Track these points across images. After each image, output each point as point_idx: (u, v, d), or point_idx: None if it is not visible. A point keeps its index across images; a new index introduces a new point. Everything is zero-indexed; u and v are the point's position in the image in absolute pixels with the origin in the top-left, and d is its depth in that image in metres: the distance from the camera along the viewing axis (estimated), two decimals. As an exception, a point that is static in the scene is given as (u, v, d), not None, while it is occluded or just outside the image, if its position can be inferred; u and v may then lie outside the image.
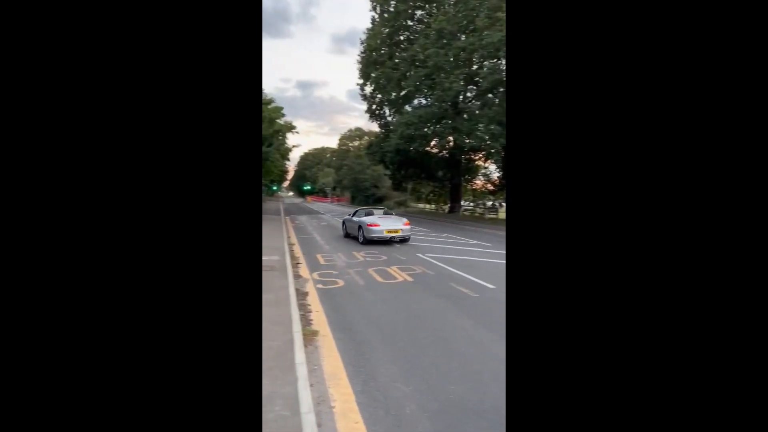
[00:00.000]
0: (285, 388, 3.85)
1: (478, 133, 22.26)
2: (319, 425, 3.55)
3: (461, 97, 24.90)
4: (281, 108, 24.99)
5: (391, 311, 6.21)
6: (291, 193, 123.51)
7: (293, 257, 10.67)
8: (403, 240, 17.61)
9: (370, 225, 17.29)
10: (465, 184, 33.98)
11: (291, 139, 78.71)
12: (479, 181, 34.62)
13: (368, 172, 56.86)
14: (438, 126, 24.95)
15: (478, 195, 34.17)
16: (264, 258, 9.84)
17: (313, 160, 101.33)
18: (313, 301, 6.74)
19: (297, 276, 8.44)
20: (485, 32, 20.99)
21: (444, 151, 29.43)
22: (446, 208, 34.29)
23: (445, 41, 23.59)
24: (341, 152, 80.00)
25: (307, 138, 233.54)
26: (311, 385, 4.07)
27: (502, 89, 22.00)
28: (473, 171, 33.51)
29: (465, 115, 24.50)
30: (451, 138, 26.00)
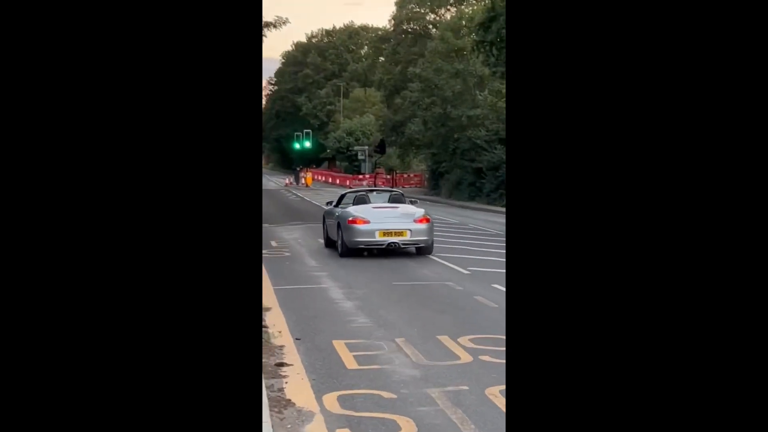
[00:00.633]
0: None
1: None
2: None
3: None
4: None
5: None
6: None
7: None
8: (419, 248, 12.29)
9: (353, 222, 12.04)
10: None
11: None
12: None
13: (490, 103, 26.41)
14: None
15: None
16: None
17: (320, 69, 68.23)
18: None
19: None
20: None
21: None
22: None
23: None
24: (404, 44, 37.66)
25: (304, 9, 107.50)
26: None
27: None
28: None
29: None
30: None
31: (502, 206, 22.89)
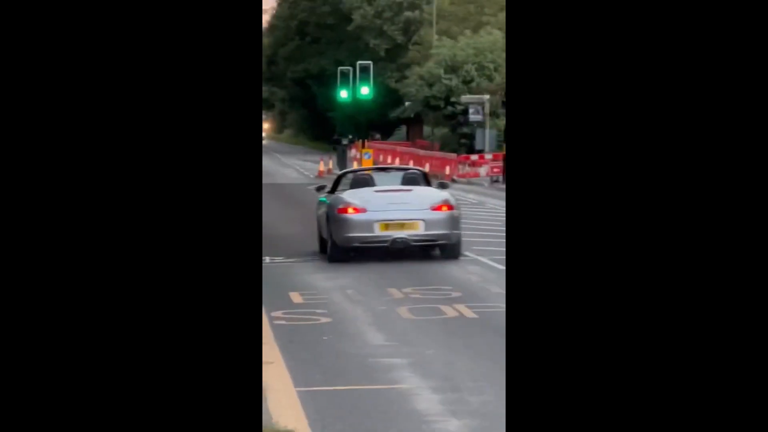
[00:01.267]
0: None
1: None
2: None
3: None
4: None
5: None
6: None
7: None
8: (440, 247, 12.56)
9: (343, 211, 12.41)
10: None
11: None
12: None
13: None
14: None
15: None
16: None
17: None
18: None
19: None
20: None
21: None
22: None
23: None
24: None
25: None
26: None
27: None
28: None
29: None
30: None
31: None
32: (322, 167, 39.25)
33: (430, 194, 12.86)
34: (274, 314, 10.54)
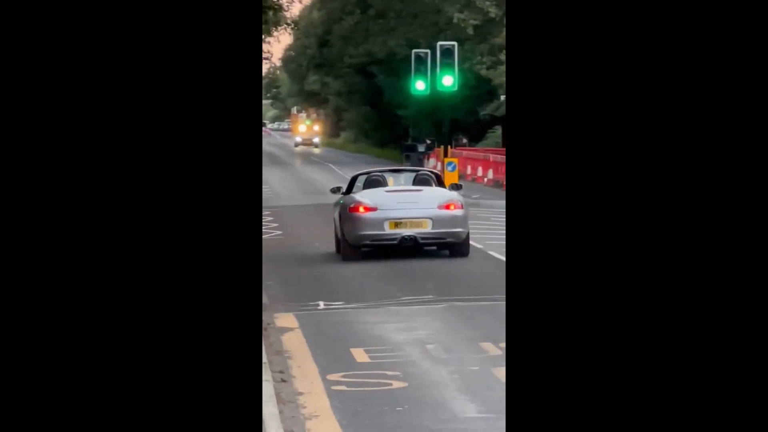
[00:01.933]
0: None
1: None
2: None
3: None
4: None
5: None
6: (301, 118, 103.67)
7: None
8: (449, 246, 16.67)
9: (354, 210, 16.42)
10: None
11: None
12: None
13: None
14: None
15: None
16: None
17: None
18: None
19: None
20: None
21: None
22: None
23: None
24: None
25: None
26: None
27: None
28: None
29: None
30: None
31: None
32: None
33: (439, 194, 16.83)
34: (331, 377, 10.58)
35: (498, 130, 57.08)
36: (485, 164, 45.28)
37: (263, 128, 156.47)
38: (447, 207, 16.32)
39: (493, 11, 52.66)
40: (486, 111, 52.43)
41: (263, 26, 46.83)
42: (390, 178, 18.86)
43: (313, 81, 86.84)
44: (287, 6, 53.24)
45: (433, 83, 42.91)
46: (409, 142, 43.89)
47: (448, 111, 47.65)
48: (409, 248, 16.57)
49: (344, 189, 18.77)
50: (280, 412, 8.44)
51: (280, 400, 8.99)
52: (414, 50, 46.04)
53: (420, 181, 18.33)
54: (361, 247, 16.78)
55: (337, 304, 15.54)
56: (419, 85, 44.19)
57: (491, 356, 11.67)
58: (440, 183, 19.08)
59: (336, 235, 18.25)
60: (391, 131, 65.78)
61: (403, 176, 19.41)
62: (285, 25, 53.48)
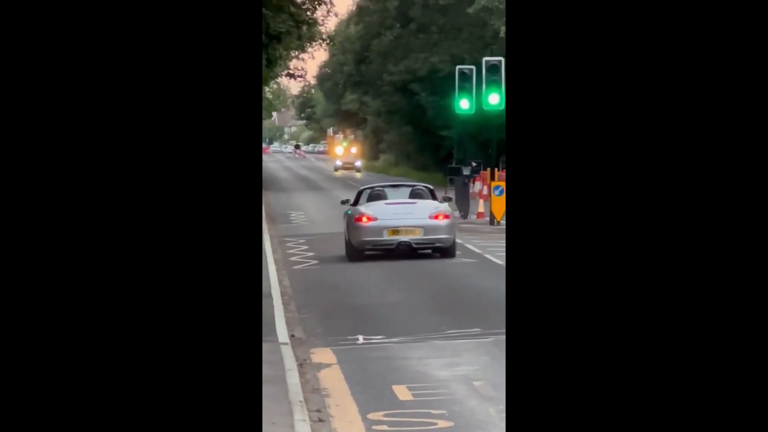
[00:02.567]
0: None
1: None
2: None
3: None
4: None
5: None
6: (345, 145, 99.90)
7: None
8: (438, 250, 21.70)
9: (359, 219, 21.29)
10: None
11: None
12: None
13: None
14: None
15: None
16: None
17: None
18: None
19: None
20: None
21: None
22: None
23: None
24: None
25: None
26: None
27: None
28: None
29: None
30: None
31: None
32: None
33: (430, 206, 21.01)
34: (372, 417, 10.61)
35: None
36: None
37: (297, 150, 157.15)
38: (436, 217, 20.61)
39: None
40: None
41: (297, 42, 47.19)
42: (389, 192, 23.83)
43: (350, 100, 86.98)
44: (322, 20, 53.50)
45: (478, 101, 42.70)
46: (454, 164, 43.79)
47: (495, 131, 47.37)
48: (405, 252, 20.83)
49: (352, 201, 23.40)
50: (318, 454, 8.48)
51: (317, 441, 9.03)
52: (458, 66, 45.96)
53: (415, 194, 23.27)
54: (364, 250, 21.11)
55: (378, 338, 15.62)
56: (464, 104, 43.88)
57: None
58: (433, 196, 24.16)
59: (345, 240, 22.72)
60: (435, 153, 65.68)
61: (400, 190, 24.21)
62: (320, 41, 53.70)
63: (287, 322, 15.73)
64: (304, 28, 46.55)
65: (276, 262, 24.15)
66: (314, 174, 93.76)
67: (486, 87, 41.18)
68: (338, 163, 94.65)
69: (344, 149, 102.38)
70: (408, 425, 10.72)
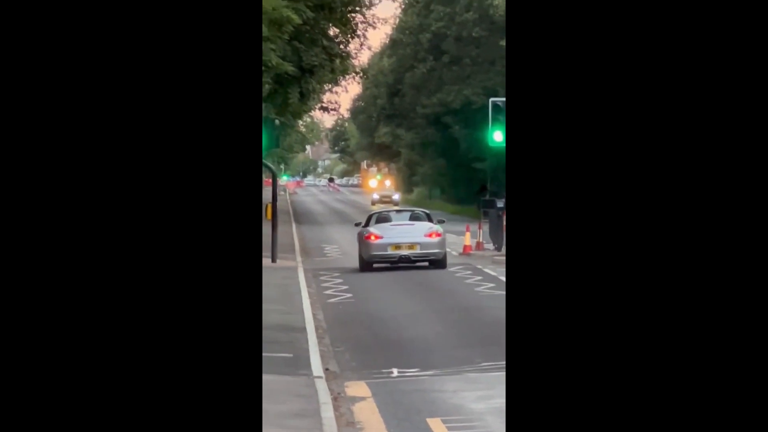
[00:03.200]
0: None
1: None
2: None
3: None
4: None
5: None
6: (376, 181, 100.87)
7: None
8: (432, 262, 26.22)
9: (368, 237, 26.75)
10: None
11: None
12: None
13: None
14: None
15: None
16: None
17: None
18: None
19: None
20: None
21: None
22: None
23: None
24: None
25: None
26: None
27: None
28: None
29: None
30: None
31: None
32: (468, 240, 38.11)
33: (426, 226, 25.75)
34: (406, 451, 10.45)
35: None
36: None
37: (331, 183, 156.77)
38: (430, 235, 25.04)
39: None
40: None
41: (330, 75, 46.99)
42: (393, 215, 30.96)
43: (383, 133, 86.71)
44: (356, 54, 53.23)
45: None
46: (488, 197, 43.12)
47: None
48: (404, 264, 25.44)
49: (363, 223, 29.20)
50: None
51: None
52: (491, 99, 45.54)
53: (414, 217, 29.08)
54: (373, 263, 25.88)
55: (412, 370, 15.50)
56: (497, 137, 43.01)
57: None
58: (429, 219, 29.88)
59: (359, 254, 28.18)
60: (468, 186, 65.12)
61: (402, 214, 30.66)
62: (353, 74, 53.38)
63: (321, 356, 15.63)
64: (338, 61, 46.36)
65: (310, 295, 24.06)
66: (350, 208, 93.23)
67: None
68: (375, 196, 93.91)
69: (378, 182, 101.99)
70: None
